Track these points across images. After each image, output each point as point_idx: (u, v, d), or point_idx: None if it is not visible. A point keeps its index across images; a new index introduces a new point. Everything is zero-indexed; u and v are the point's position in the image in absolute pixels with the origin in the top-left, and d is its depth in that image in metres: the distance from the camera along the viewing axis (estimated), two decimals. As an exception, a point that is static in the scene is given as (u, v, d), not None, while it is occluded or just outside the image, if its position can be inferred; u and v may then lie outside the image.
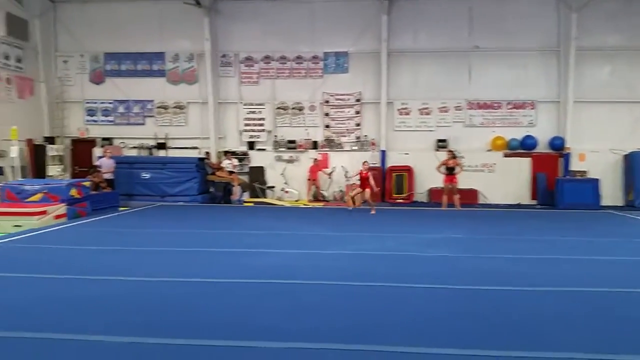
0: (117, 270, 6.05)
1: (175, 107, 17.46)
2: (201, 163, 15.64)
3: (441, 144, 16.44)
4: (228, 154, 16.31)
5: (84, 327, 4.05)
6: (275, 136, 17.22)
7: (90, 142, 17.51)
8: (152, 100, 17.49)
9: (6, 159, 14.54)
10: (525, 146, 16.24)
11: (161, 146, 17.39)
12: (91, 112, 17.68)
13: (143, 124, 17.57)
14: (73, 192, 11.23)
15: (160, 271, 6.05)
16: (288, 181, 16.88)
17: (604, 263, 6.89)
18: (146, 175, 15.10)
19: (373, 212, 12.75)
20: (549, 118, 16.43)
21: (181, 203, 14.70)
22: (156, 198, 14.87)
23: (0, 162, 14.76)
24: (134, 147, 17.46)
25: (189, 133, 17.41)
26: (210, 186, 15.83)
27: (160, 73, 17.46)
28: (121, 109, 17.62)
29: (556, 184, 15.43)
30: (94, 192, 12.57)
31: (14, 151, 12.18)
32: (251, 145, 17.30)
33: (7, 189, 11.03)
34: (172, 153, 17.26)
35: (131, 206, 14.01)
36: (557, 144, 16.12)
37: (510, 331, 4.08)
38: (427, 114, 16.74)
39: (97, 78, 17.65)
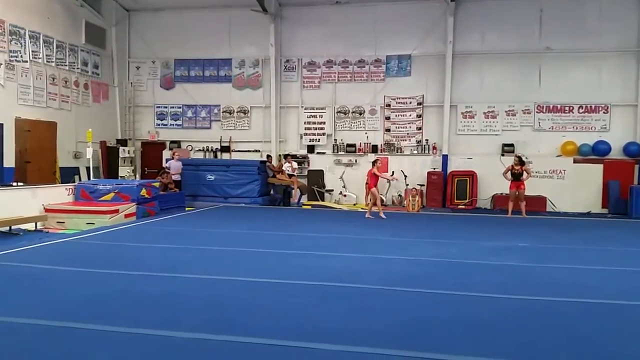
0: (183, 268, 6.28)
1: (239, 112, 17.92)
2: (262, 166, 15.95)
3: (507, 148, 15.90)
4: (288, 157, 16.55)
5: (150, 322, 4.23)
6: (335, 140, 17.28)
7: (160, 145, 18.28)
8: (218, 105, 18.04)
9: (82, 159, 15.44)
10: (597, 152, 15.42)
11: (225, 149, 17.90)
12: (161, 116, 18.46)
13: (209, 127, 18.14)
14: (143, 192, 11.77)
15: (223, 270, 6.22)
16: (346, 185, 16.89)
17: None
18: (211, 177, 15.58)
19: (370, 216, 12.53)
20: (624, 122, 15.52)
21: (243, 204, 15.05)
22: (219, 199, 15.31)
23: (76, 163, 15.70)
24: (200, 150, 18.08)
25: (251, 136, 17.83)
26: (271, 188, 16.12)
27: (227, 79, 17.99)
28: (189, 114, 18.29)
29: (630, 192, 14.53)
30: (162, 193, 13.11)
31: (89, 152, 12.93)
32: (311, 149, 17.46)
33: (82, 189, 11.72)
34: (235, 156, 17.72)
35: (196, 206, 14.50)
36: (633, 150, 15.19)
37: (580, 345, 3.87)
38: (493, 117, 16.26)
39: (168, 83, 18.42)
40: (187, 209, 13.86)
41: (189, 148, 18.12)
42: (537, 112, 15.98)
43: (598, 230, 11.36)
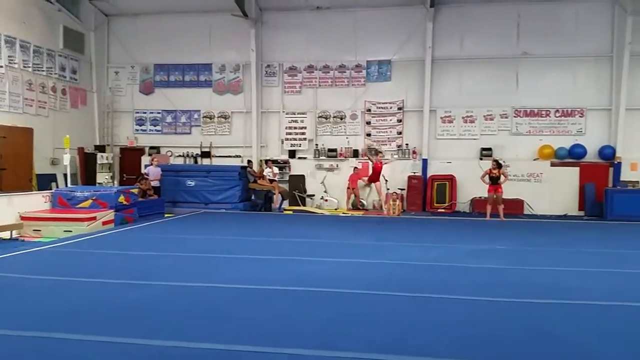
0: (162, 275, 6.22)
1: (220, 117, 17.85)
2: (243, 171, 15.89)
3: (486, 152, 16.13)
4: (269, 162, 16.51)
5: (129, 330, 4.18)
6: (316, 145, 17.32)
7: (139, 151, 18.10)
8: (198, 110, 17.95)
9: (59, 166, 15.20)
10: (573, 155, 15.73)
11: (206, 155, 17.81)
12: (140, 121, 18.29)
13: (189, 133, 18.03)
14: (121, 199, 11.62)
15: (203, 277, 6.18)
16: (328, 189, 16.92)
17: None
18: (191, 183, 15.46)
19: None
20: (599, 126, 15.86)
21: (223, 210, 14.96)
22: (200, 205, 15.20)
23: (53, 170, 15.46)
24: (180, 156, 17.95)
25: (232, 142, 17.76)
26: (252, 194, 16.07)
27: (207, 84, 17.91)
28: (169, 119, 18.16)
29: (605, 194, 14.84)
30: (141, 199, 12.97)
31: (66, 159, 12.73)
32: (292, 154, 17.47)
33: (59, 195, 11.52)
34: (216, 161, 17.63)
35: (176, 213, 14.37)
36: (607, 153, 15.53)
37: (559, 346, 3.93)
38: (472, 121, 16.47)
39: (147, 89, 18.26)
40: (166, 215, 13.73)
41: (169, 154, 17.98)
42: (514, 116, 16.24)
43: (575, 232, 11.56)
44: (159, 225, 11.67)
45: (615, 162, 15.49)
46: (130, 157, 18.16)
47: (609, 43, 15.77)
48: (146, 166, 15.70)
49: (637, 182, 15.09)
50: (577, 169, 15.78)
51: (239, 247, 8.58)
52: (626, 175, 15.37)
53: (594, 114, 15.91)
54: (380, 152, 12.01)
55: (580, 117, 15.94)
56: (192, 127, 18.03)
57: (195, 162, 17.78)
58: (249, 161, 16.91)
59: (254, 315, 4.62)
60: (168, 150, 18.05)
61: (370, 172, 11.97)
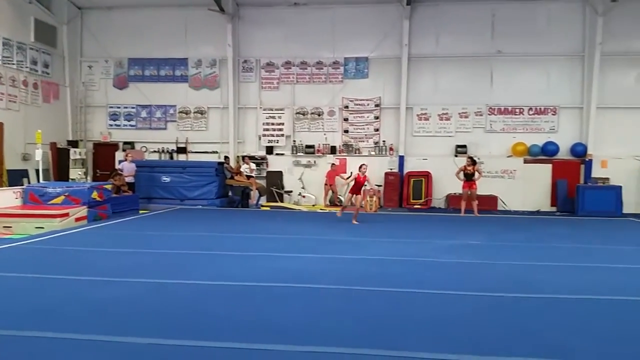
0: (136, 272, 6.15)
1: (196, 112, 17.68)
2: (220, 167, 15.79)
3: (460, 149, 16.33)
4: (246, 158, 16.44)
5: (102, 328, 4.13)
6: (294, 141, 17.30)
7: (113, 146, 17.81)
8: (174, 105, 17.75)
9: (31, 161, 14.88)
10: (546, 152, 16.05)
11: (182, 150, 17.62)
12: (114, 116, 17.99)
13: (165, 128, 17.82)
14: (94, 195, 11.44)
15: (177, 274, 6.13)
16: (305, 186, 16.93)
17: (626, 271, 6.76)
18: (166, 178, 15.31)
19: (355, 222, 11.56)
20: (571, 124, 16.22)
21: (199, 206, 14.85)
22: (175, 201, 15.07)
23: (24, 165, 15.11)
24: (155, 151, 17.73)
25: (209, 137, 17.63)
26: (229, 190, 15.98)
27: (183, 79, 17.71)
28: (144, 114, 17.91)
29: (577, 191, 15.20)
30: (115, 195, 12.78)
31: (38, 154, 12.46)
32: (270, 150, 17.42)
33: (31, 192, 11.29)
34: (192, 157, 17.47)
35: (151, 209, 14.21)
36: (579, 151, 15.89)
37: (529, 339, 4.02)
38: (447, 119, 16.66)
39: (121, 83, 17.97)
40: (141, 211, 13.56)
41: (143, 149, 17.74)
42: (488, 114, 16.49)
43: (547, 227, 11.80)
44: (133, 222, 11.52)
45: (587, 160, 15.86)
46: (103, 153, 17.86)
47: (580, 43, 16.12)
48: (120, 162, 15.46)
49: (608, 178, 15.47)
50: (550, 165, 16.12)
51: (215, 243, 8.54)
52: (597, 172, 15.75)
53: (566, 112, 16.25)
54: (364, 165, 11.84)
55: (553, 115, 16.26)
56: (168, 123, 17.82)
57: (171, 157, 17.59)
58: (226, 157, 16.81)
59: (230, 312, 4.61)
60: (143, 145, 17.81)
61: (352, 183, 11.78)
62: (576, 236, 10.38)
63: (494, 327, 4.32)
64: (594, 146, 15.79)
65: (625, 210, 15.01)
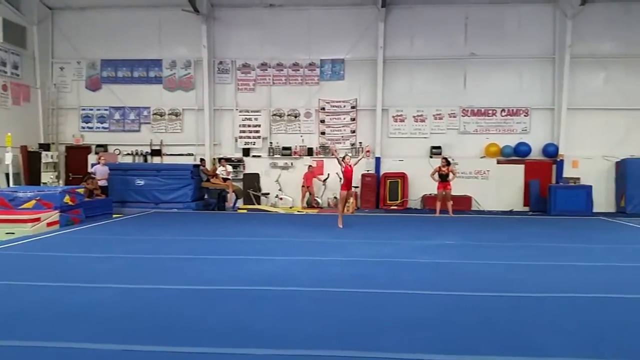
0: (110, 278, 6.05)
1: (170, 114, 17.48)
2: (196, 170, 15.64)
3: (435, 150, 16.51)
4: (222, 160, 16.32)
5: (75, 335, 4.05)
6: (271, 143, 17.25)
7: (85, 149, 17.49)
8: (148, 107, 17.52)
9: (0, 165, 14.51)
10: (518, 153, 16.33)
11: (156, 153, 17.41)
12: (87, 118, 17.68)
13: (138, 130, 17.58)
14: (67, 199, 11.21)
15: (152, 278, 6.06)
16: (282, 188, 16.90)
17: (596, 269, 6.93)
18: (140, 182, 15.10)
19: (340, 225, 11.03)
20: (543, 125, 16.54)
21: (175, 210, 14.69)
22: (150, 205, 14.87)
23: (-6, 169, 14.76)
24: (129, 154, 17.47)
25: (184, 140, 17.45)
26: (205, 193, 15.84)
27: (157, 80, 17.51)
28: (117, 116, 17.63)
29: (549, 190, 15.51)
30: (87, 199, 12.56)
31: (8, 158, 12.16)
32: (246, 152, 17.33)
33: (0, 196, 11.00)
34: (167, 160, 17.27)
35: (125, 213, 14.00)
36: (551, 151, 16.21)
37: (503, 337, 4.10)
38: (422, 121, 16.83)
39: (94, 85, 17.67)
40: (114, 215, 13.36)
41: (117, 152, 17.47)
42: (462, 115, 16.71)
43: (520, 227, 12.01)
44: (106, 226, 11.33)
45: (558, 160, 16.20)
46: (76, 156, 17.51)
47: (551, 45, 16.47)
48: (93, 165, 15.17)
49: (578, 178, 15.83)
50: (522, 166, 16.41)
51: (190, 247, 8.45)
52: (568, 172, 16.10)
53: (537, 113, 16.58)
54: (348, 155, 11.37)
55: (525, 116, 16.57)
56: (142, 125, 17.59)
57: (145, 160, 17.35)
58: (202, 159, 16.66)
59: (205, 317, 4.57)
60: (116, 148, 17.53)
61: (342, 179, 11.20)
62: (548, 235, 10.59)
63: (468, 326, 4.38)
64: (565, 147, 16.13)
65: (595, 210, 15.36)
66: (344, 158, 11.21)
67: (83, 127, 17.68)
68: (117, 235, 9.94)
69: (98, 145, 17.44)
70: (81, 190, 12.12)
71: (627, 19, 15.99)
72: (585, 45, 16.00)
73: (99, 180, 13.89)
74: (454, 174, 14.44)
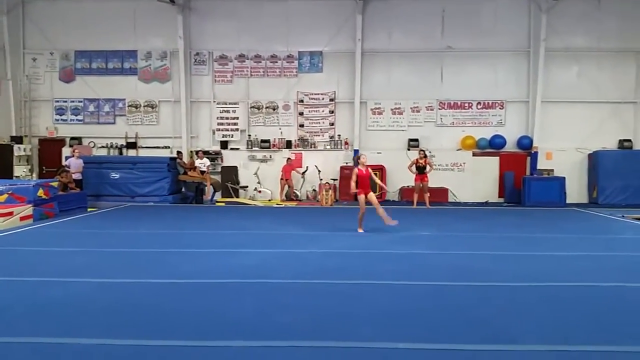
0: (85, 272, 5.99)
1: (146, 106, 17.25)
2: (172, 162, 15.50)
3: (413, 143, 16.65)
4: (200, 153, 16.19)
5: (51, 330, 4.02)
6: (249, 135, 17.17)
7: (59, 142, 17.16)
8: (123, 99, 17.25)
9: (-29, 158, 14.18)
10: (493, 145, 16.57)
11: (131, 145, 17.17)
12: (60, 111, 17.33)
13: (113, 123, 17.32)
14: (40, 192, 11.01)
15: (129, 272, 6.02)
16: (261, 181, 16.85)
17: (569, 258, 7.11)
18: (115, 175, 14.90)
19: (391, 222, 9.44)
20: (518, 118, 16.80)
21: (151, 203, 14.56)
22: (126, 198, 14.70)
23: (-36, 162, 14.40)
24: (104, 147, 17.19)
25: (160, 132, 17.24)
26: (182, 186, 15.71)
27: (132, 71, 17.24)
28: (91, 108, 17.33)
29: (523, 182, 15.79)
30: (61, 193, 12.35)
31: (-21, 151, 11.92)
32: (224, 145, 17.22)
33: (-28, 190, 10.76)
34: (143, 152, 17.05)
35: (100, 207, 13.82)
36: (525, 143, 16.49)
37: (477, 326, 4.19)
38: (400, 113, 16.93)
39: (67, 76, 17.31)
40: (89, 209, 13.16)
41: (91, 145, 17.18)
42: (439, 108, 16.86)
43: (495, 218, 12.24)
44: (81, 220, 11.18)
45: (532, 152, 16.49)
46: (50, 149, 17.17)
47: (526, 39, 16.69)
48: (67, 158, 14.92)
49: (552, 170, 16.14)
50: (497, 158, 16.66)
51: (167, 241, 8.41)
52: (542, 163, 16.39)
53: (512, 106, 16.83)
54: (363, 155, 9.72)
55: (500, 109, 16.80)
56: (117, 117, 17.32)
57: (120, 153, 17.10)
58: (179, 152, 16.50)
59: (183, 310, 4.56)
60: (91, 141, 17.23)
61: (355, 180, 9.40)
62: (522, 226, 10.81)
63: (442, 315, 4.46)
64: (539, 139, 16.40)
65: (568, 201, 15.70)
66: (358, 158, 9.73)
67: (57, 120, 17.34)
68: (92, 229, 9.83)
69: (72, 138, 17.13)
70: (55, 184, 11.91)
71: (599, 14, 16.31)
72: (560, 39, 16.27)
73: (73, 173, 13.66)
74: (431, 166, 14.61)
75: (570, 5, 16.17)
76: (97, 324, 4.16)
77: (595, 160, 15.93)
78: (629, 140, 16.30)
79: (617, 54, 16.40)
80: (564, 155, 16.41)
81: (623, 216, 12.28)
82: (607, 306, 4.81)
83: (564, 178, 15.70)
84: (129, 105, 17.25)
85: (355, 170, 9.40)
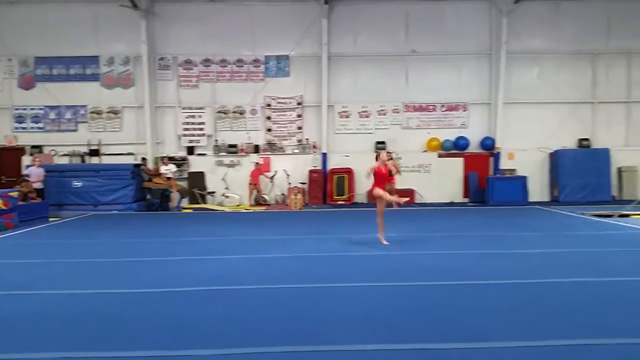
0: (47, 284, 5.84)
1: (109, 112, 16.89)
2: (137, 169, 15.23)
3: (380, 146, 16.79)
4: (165, 159, 15.95)
5: (10, 344, 3.91)
6: (216, 140, 17.02)
7: (19, 150, 16.64)
8: (85, 106, 16.85)
9: None
10: (458, 147, 16.88)
11: (94, 153, 16.78)
12: (20, 118, 16.82)
13: (75, 130, 16.89)
14: (-1, 203, 10.67)
15: (90, 283, 5.89)
16: (229, 186, 16.71)
17: (532, 255, 7.29)
18: (77, 183, 14.58)
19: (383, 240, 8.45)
20: (480, 119, 17.15)
21: (115, 212, 14.29)
22: (89, 207, 14.41)
23: None
24: (66, 155, 16.75)
25: (124, 139, 16.90)
26: (147, 193, 15.45)
27: (94, 77, 16.86)
28: (52, 115, 16.87)
29: (487, 182, 16.14)
30: (22, 203, 12.00)
31: None
32: (190, 150, 17.02)
33: None
34: (106, 160, 16.68)
35: (62, 216, 13.47)
36: (488, 144, 16.85)
37: (445, 324, 4.25)
38: (367, 116, 17.07)
39: (27, 83, 16.82)
40: (51, 219, 12.80)
41: (53, 153, 16.72)
42: (405, 111, 17.07)
43: (459, 218, 12.47)
44: (42, 231, 10.88)
45: (495, 152, 16.85)
46: (9, 158, 16.63)
47: (488, 42, 17.07)
48: (27, 167, 14.48)
49: (515, 169, 16.52)
50: (462, 159, 16.97)
51: (132, 250, 8.26)
52: (505, 164, 16.77)
53: (475, 108, 17.17)
54: (390, 152, 8.68)
55: (464, 111, 17.13)
56: (79, 124, 16.90)
57: (83, 161, 16.69)
58: (143, 159, 16.23)
59: (148, 319, 4.50)
60: (52, 149, 16.77)
61: (372, 178, 8.92)
62: (486, 225, 11.05)
63: (409, 315, 4.52)
64: (502, 139, 16.79)
65: (530, 199, 16.12)
66: (378, 155, 9.09)
67: (16, 128, 16.80)
68: (54, 240, 9.57)
69: (33, 146, 16.64)
70: (15, 194, 11.55)
71: (557, 17, 16.82)
72: (520, 42, 16.70)
73: (33, 182, 13.27)
74: (398, 170, 14.71)
75: (530, 8, 16.63)
76: (60, 336, 4.06)
77: (556, 159, 16.40)
78: (587, 139, 16.85)
79: (575, 55, 16.93)
80: (525, 155, 16.83)
81: (582, 213, 12.68)
82: (570, 301, 4.95)
83: (526, 177, 16.10)
84: (91, 112, 16.86)
85: (373, 165, 8.75)
